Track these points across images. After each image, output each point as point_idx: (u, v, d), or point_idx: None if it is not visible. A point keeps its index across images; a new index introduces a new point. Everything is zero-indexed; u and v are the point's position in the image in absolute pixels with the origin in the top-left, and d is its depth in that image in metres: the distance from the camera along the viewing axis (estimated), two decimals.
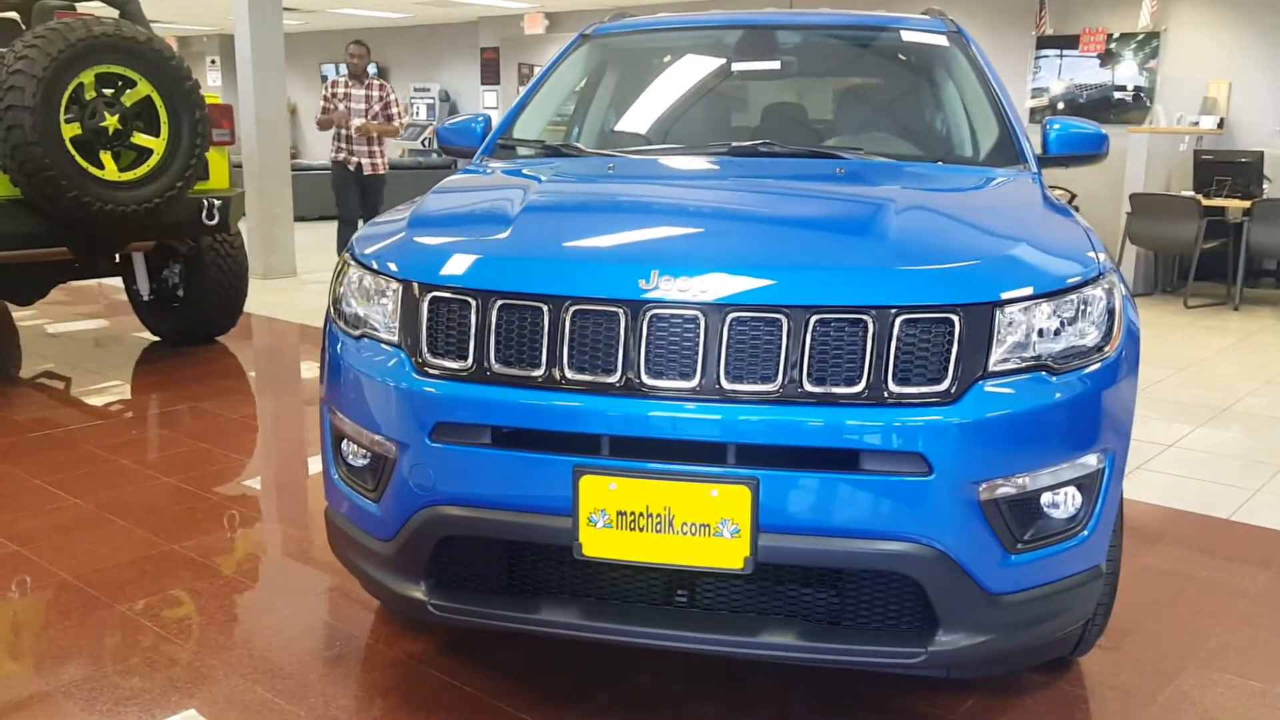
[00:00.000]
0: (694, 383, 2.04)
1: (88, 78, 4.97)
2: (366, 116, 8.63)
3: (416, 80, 18.11)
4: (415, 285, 2.25)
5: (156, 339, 6.71)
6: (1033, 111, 11.93)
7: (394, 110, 8.80)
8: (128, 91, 5.16)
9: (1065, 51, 11.68)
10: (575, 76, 3.77)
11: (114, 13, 6.01)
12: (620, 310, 2.08)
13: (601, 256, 2.23)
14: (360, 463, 2.38)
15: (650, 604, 2.20)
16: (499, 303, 2.15)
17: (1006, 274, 2.14)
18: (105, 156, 5.12)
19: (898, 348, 2.03)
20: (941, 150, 3.26)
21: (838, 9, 3.73)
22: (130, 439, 4.64)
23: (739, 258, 2.15)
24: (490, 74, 16.77)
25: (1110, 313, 2.24)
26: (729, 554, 2.04)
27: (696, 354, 2.05)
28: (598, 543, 2.08)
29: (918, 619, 2.12)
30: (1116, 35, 11.27)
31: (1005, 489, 2.08)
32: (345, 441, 2.41)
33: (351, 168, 8.65)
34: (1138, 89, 11.21)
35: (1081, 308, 2.19)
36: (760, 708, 2.51)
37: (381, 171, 8.77)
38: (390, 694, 2.58)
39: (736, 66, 3.62)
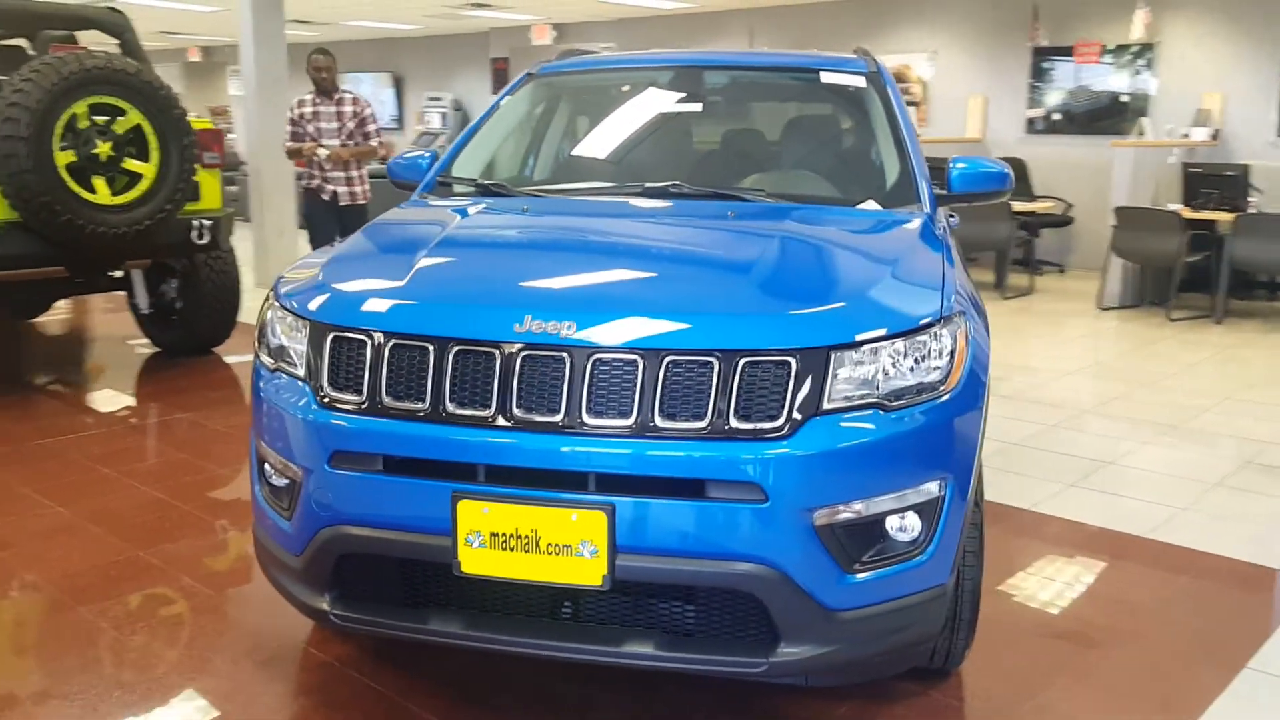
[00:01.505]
0: (559, 417, 2.28)
1: (81, 108, 5.27)
2: (340, 137, 7.32)
3: (430, 90, 18.44)
4: (321, 325, 2.49)
5: (158, 349, 7.03)
6: (1030, 122, 12.08)
7: (371, 128, 7.45)
8: (119, 120, 5.45)
9: (1060, 62, 11.80)
10: (520, 114, 4.01)
11: (113, 42, 6.32)
12: (496, 351, 2.32)
13: (482, 301, 2.46)
14: (279, 484, 2.62)
15: (527, 616, 2.43)
16: (391, 343, 2.39)
17: (846, 320, 2.36)
18: (98, 182, 5.42)
19: (740, 387, 2.25)
20: (843, 191, 3.47)
21: (795, 47, 3.94)
22: (117, 449, 4.93)
23: (603, 303, 2.39)
24: (501, 83, 17.06)
25: (950, 353, 2.45)
26: (589, 572, 2.27)
27: (561, 391, 2.28)
28: (474, 561, 2.32)
29: (762, 632, 2.34)
30: (1111, 46, 11.37)
31: (840, 515, 2.30)
32: (266, 464, 2.66)
33: (326, 197, 7.33)
34: (1132, 100, 11.32)
35: (918, 349, 2.40)
36: (662, 708, 2.74)
37: (362, 201, 7.48)
38: (311, 694, 2.83)
39: (663, 108, 3.85)
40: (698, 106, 3.84)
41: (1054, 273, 11.66)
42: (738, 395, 2.25)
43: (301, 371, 2.51)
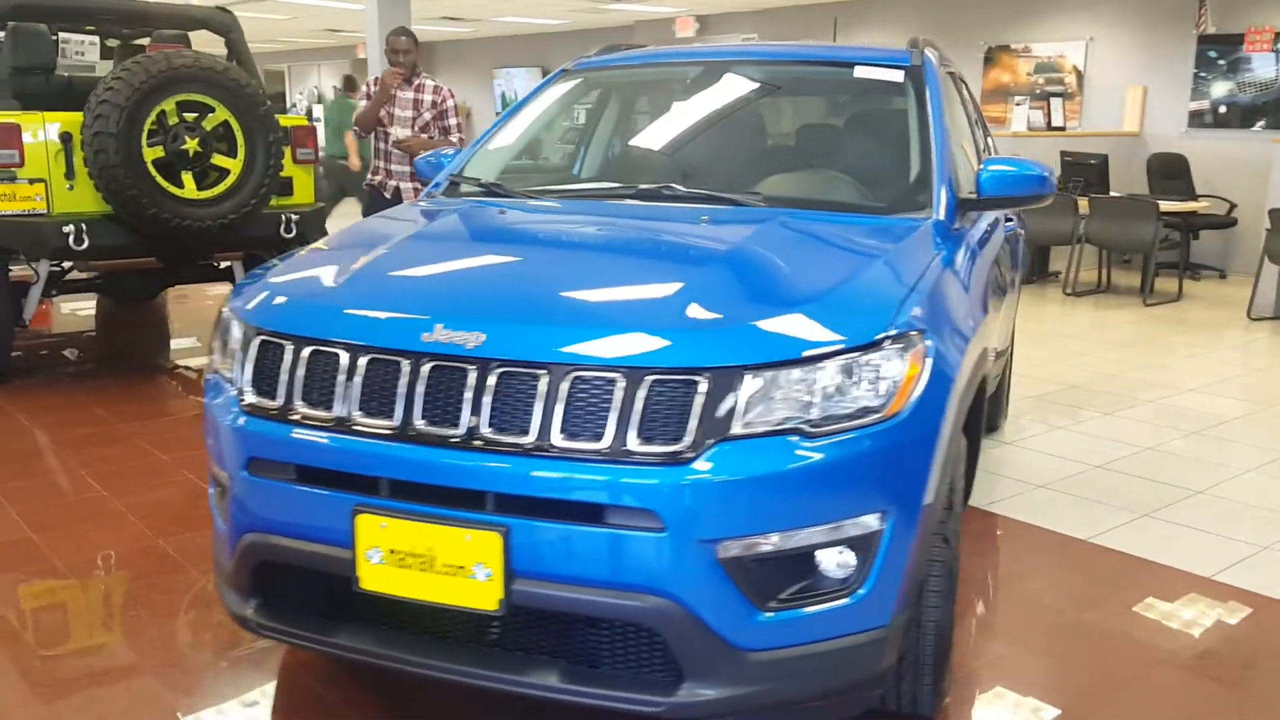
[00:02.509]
0: (460, 431, 2.18)
1: (169, 105, 5.48)
2: (413, 128, 6.51)
3: None
4: (250, 328, 2.47)
5: None
6: (1193, 115, 11.24)
7: (452, 120, 6.59)
8: (208, 117, 5.64)
9: (1228, 50, 10.92)
10: (550, 109, 3.91)
11: (219, 40, 6.58)
12: (403, 360, 2.23)
13: (395, 309, 2.37)
14: (216, 488, 2.62)
15: (435, 637, 2.34)
16: (308, 349, 2.34)
17: (768, 337, 2.17)
18: (186, 177, 5.62)
19: (644, 407, 2.10)
20: (848, 195, 3.25)
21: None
22: (177, 437, 5.09)
23: (513, 315, 2.27)
24: None
25: (895, 376, 2.22)
26: (483, 596, 2.17)
27: (464, 404, 2.18)
28: (373, 577, 2.25)
29: (666, 669, 2.18)
30: None
31: (751, 548, 2.12)
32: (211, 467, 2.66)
33: (388, 194, 6.54)
34: None
35: (854, 370, 2.19)
36: None
37: None
38: (265, 693, 2.82)
39: (684, 106, 3.69)
40: (720, 104, 3.66)
41: (1213, 278, 10.83)
42: (641, 416, 2.10)
43: (232, 375, 2.49)
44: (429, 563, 2.19)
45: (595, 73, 3.95)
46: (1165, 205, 9.44)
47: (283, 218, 6.14)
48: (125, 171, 5.35)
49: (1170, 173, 10.93)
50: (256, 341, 2.44)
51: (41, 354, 6.98)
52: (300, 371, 2.34)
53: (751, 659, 2.16)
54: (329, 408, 2.30)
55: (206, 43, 6.38)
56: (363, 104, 6.63)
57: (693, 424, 2.09)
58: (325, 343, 2.33)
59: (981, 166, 3.18)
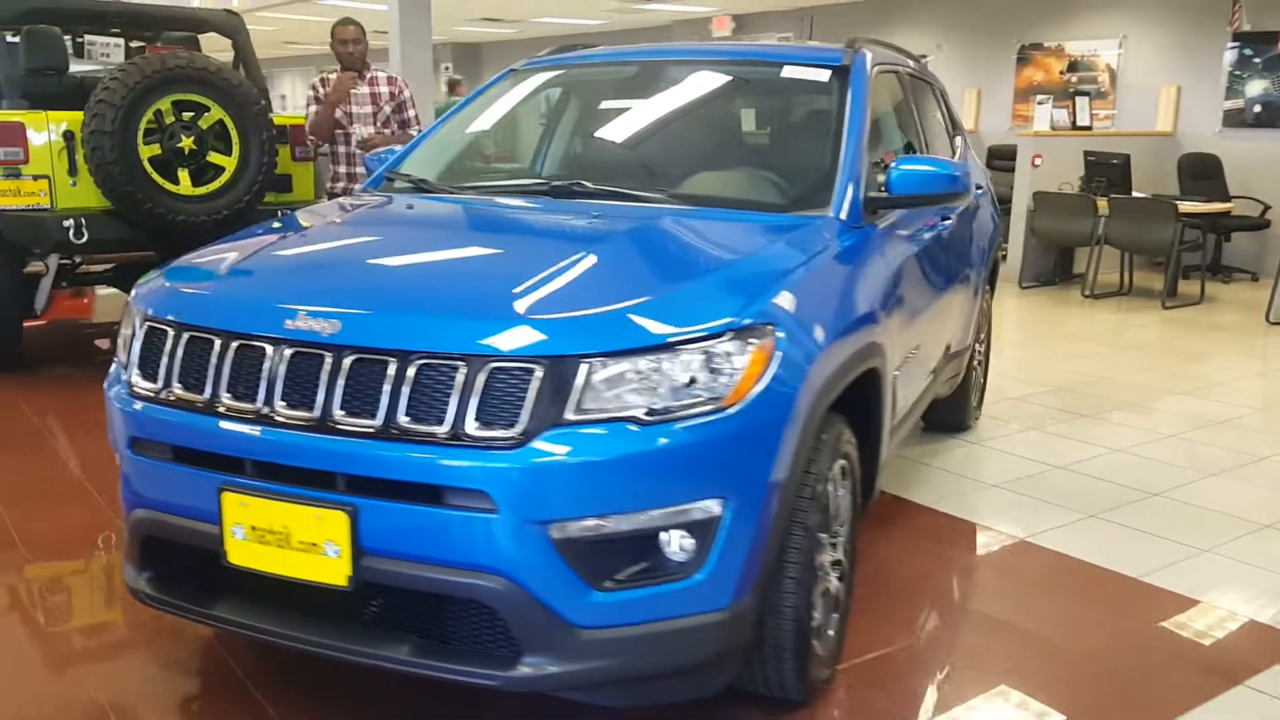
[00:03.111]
0: (314, 414, 2.29)
1: (164, 104, 5.69)
2: (375, 124, 6.15)
3: None
4: (139, 313, 2.61)
5: None
6: (1227, 115, 11.02)
7: (411, 113, 6.30)
8: (204, 116, 5.84)
9: (1264, 49, 10.69)
10: (493, 108, 4.02)
11: (226, 43, 6.80)
12: (267, 345, 2.35)
13: (264, 296, 2.49)
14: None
15: (302, 610, 2.45)
16: (186, 334, 2.47)
17: (606, 328, 2.25)
18: (182, 174, 5.83)
19: (483, 393, 2.19)
20: (751, 194, 3.30)
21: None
22: None
23: (369, 304, 2.38)
24: None
25: (734, 369, 2.29)
26: (334, 572, 2.28)
27: (318, 388, 2.29)
28: (239, 552, 2.37)
29: (507, 644, 2.27)
30: None
31: (583, 529, 2.20)
32: None
33: None
34: None
35: (688, 363, 2.25)
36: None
37: None
38: (189, 679, 2.96)
39: (615, 105, 3.77)
40: (651, 104, 3.73)
41: (1245, 280, 10.61)
42: (479, 402, 2.20)
43: (124, 359, 2.63)
44: (285, 539, 2.31)
45: (542, 72, 4.04)
46: (1187, 206, 9.28)
47: (279, 213, 6.31)
48: (121, 168, 5.56)
49: (1202, 173, 10.73)
50: (144, 327, 2.57)
51: (68, 344, 7.27)
52: (178, 356, 2.47)
53: (588, 636, 2.24)
54: (201, 391, 2.42)
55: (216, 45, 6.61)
56: (311, 110, 6.17)
57: (527, 410, 2.18)
58: (200, 329, 2.46)
59: (892, 165, 3.22)
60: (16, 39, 6.26)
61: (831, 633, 2.88)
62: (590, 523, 2.20)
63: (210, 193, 5.91)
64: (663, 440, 2.22)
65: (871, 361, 2.91)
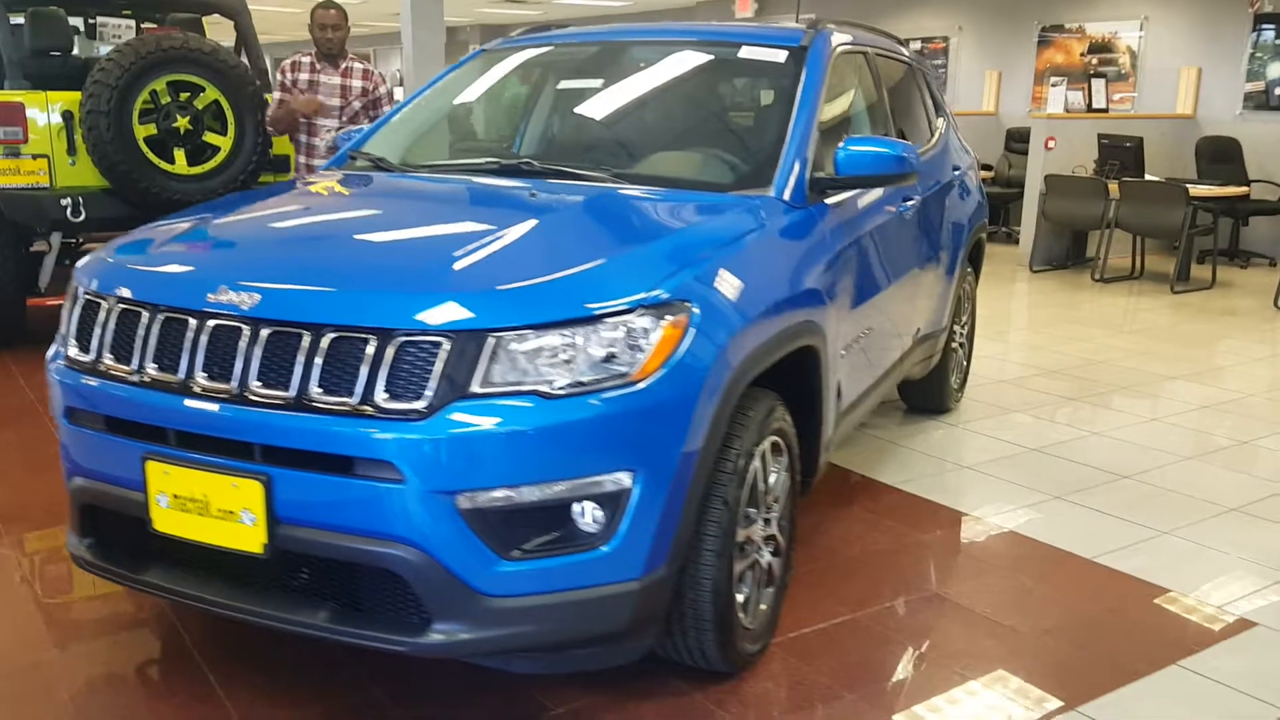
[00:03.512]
0: (232, 386, 2.35)
1: (160, 85, 5.79)
2: (341, 117, 5.67)
3: None
4: (79, 288, 2.68)
5: None
6: (1246, 97, 10.84)
7: (386, 109, 5.66)
8: (199, 96, 5.93)
9: None
10: (463, 88, 4.06)
11: (229, 24, 6.88)
12: (191, 318, 2.42)
13: (189, 270, 2.56)
14: None
15: (225, 576, 2.51)
16: (118, 307, 2.55)
17: (514, 303, 2.29)
18: (178, 153, 5.93)
19: (392, 366, 2.24)
20: (695, 173, 3.32)
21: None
22: None
23: (286, 278, 2.44)
24: None
25: (644, 344, 2.32)
26: (250, 539, 2.34)
27: (236, 360, 2.35)
28: (163, 520, 2.44)
29: (418, 611, 2.32)
30: None
31: (490, 500, 2.25)
32: None
33: None
34: None
35: (595, 338, 2.29)
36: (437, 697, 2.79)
37: None
38: (138, 646, 3.04)
39: (576, 85, 3.81)
40: (610, 82, 3.76)
41: (1263, 266, 10.47)
42: (388, 374, 2.25)
43: (64, 330, 2.71)
44: (205, 507, 2.38)
45: (512, 53, 4.07)
46: (1198, 190, 9.17)
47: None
48: (117, 148, 5.67)
49: (1220, 157, 10.57)
50: (81, 300, 2.65)
51: None
52: (109, 328, 2.54)
53: (496, 604, 2.30)
54: (129, 362, 2.49)
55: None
56: (275, 97, 5.83)
57: (433, 383, 2.23)
58: (130, 302, 2.53)
59: (840, 145, 3.23)
60: (21, 20, 6.38)
61: (764, 606, 2.92)
62: (497, 494, 2.25)
63: (206, 172, 6.00)
64: (569, 414, 2.26)
65: (806, 340, 2.93)
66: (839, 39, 3.75)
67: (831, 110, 3.55)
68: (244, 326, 2.36)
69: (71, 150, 5.92)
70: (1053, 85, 10.25)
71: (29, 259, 6.33)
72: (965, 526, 3.90)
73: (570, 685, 2.77)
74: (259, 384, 2.33)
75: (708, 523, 2.56)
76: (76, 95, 5.84)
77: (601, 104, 3.73)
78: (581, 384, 2.28)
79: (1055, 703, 2.76)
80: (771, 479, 2.88)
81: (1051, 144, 10.03)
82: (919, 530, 3.84)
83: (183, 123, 5.90)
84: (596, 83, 3.78)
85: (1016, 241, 11.10)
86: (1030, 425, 5.14)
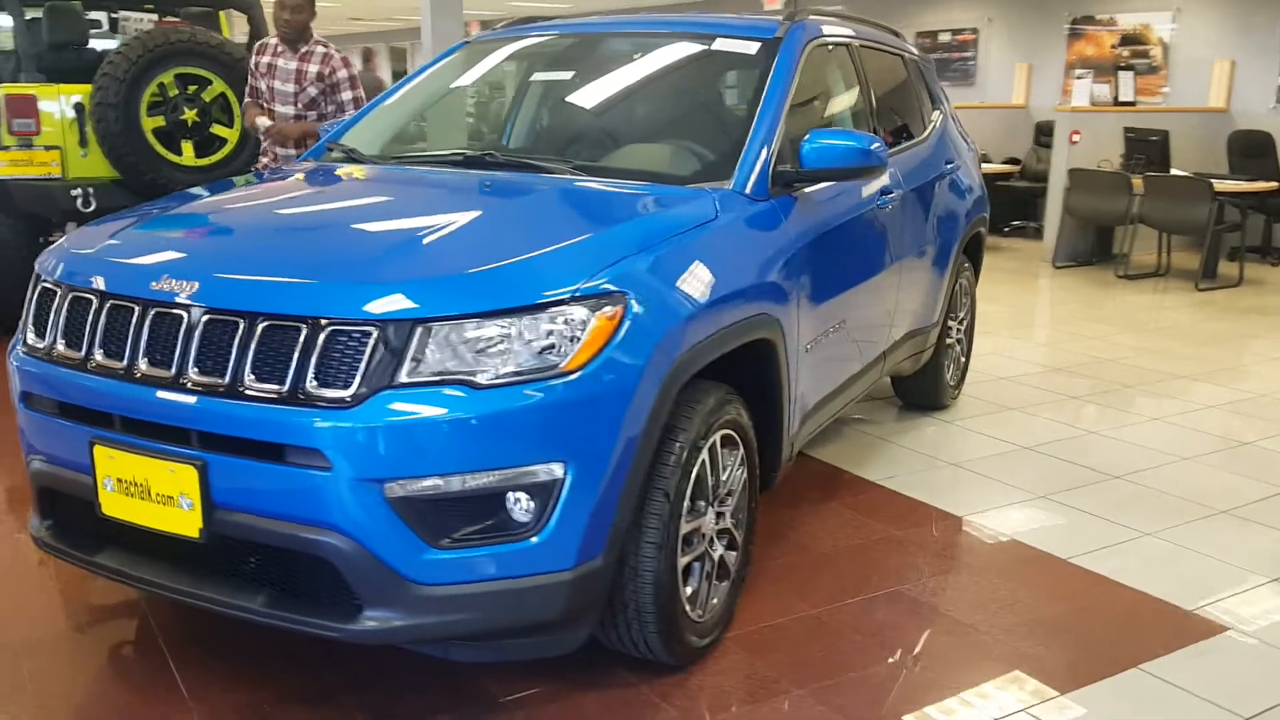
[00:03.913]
0: (172, 372, 2.39)
1: (168, 78, 5.88)
2: (296, 105, 5.27)
3: None
4: (36, 276, 2.74)
5: None
6: None
7: (346, 95, 5.29)
8: (207, 89, 6.02)
9: None
10: (447, 80, 4.09)
11: (243, 17, 6.97)
12: (135, 306, 2.46)
13: (137, 259, 2.59)
14: None
15: (170, 560, 2.55)
16: (70, 295, 2.59)
17: (443, 293, 2.31)
18: (186, 145, 6.03)
19: (321, 354, 2.27)
20: (656, 165, 3.32)
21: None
22: None
23: (225, 267, 2.48)
24: None
25: (574, 336, 2.33)
26: (187, 524, 2.38)
27: (175, 347, 2.39)
28: (110, 503, 2.48)
29: (350, 598, 2.34)
30: None
31: (418, 489, 2.26)
32: None
33: None
34: None
35: (525, 329, 2.30)
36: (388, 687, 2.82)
37: None
38: (103, 629, 3.10)
39: (547, 77, 3.81)
40: (583, 75, 3.77)
41: None
42: (318, 362, 2.27)
43: (24, 318, 2.77)
44: (146, 491, 2.42)
45: (493, 45, 4.09)
46: (1224, 185, 9.00)
47: None
48: (125, 139, 5.77)
49: (1253, 151, 10.37)
50: (38, 289, 2.70)
51: None
52: (62, 315, 2.59)
53: (425, 592, 2.31)
54: (78, 348, 2.54)
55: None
56: (250, 84, 5.48)
57: (361, 372, 2.25)
58: (81, 290, 2.57)
59: (805, 139, 3.21)
60: (38, 15, 6.50)
61: (715, 600, 2.91)
62: (425, 483, 2.27)
63: (213, 164, 6.09)
64: (498, 404, 2.27)
65: (761, 333, 2.92)
66: (815, 30, 3.72)
67: (803, 103, 3.52)
68: (183, 314, 2.39)
69: (83, 142, 6.03)
70: (1077, 78, 10.09)
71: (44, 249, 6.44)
72: (942, 524, 3.87)
73: (520, 674, 2.79)
74: (196, 371, 2.36)
75: (648, 515, 2.57)
76: (88, 88, 5.94)
77: (573, 97, 3.74)
78: (511, 374, 2.29)
79: (1003, 702, 2.73)
80: (725, 473, 2.88)
81: (1076, 138, 9.89)
82: (895, 527, 3.81)
83: (190, 115, 5.99)
84: (570, 76, 3.79)
85: (1033, 234, 10.98)
86: (1027, 423, 5.08)
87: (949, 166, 4.76)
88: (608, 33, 3.88)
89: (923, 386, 5.06)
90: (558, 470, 2.34)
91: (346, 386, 2.25)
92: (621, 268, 2.48)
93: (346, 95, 5.27)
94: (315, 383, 2.27)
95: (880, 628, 3.10)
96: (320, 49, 5.31)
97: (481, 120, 3.93)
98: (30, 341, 2.67)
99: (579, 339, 2.34)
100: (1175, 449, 4.74)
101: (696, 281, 2.67)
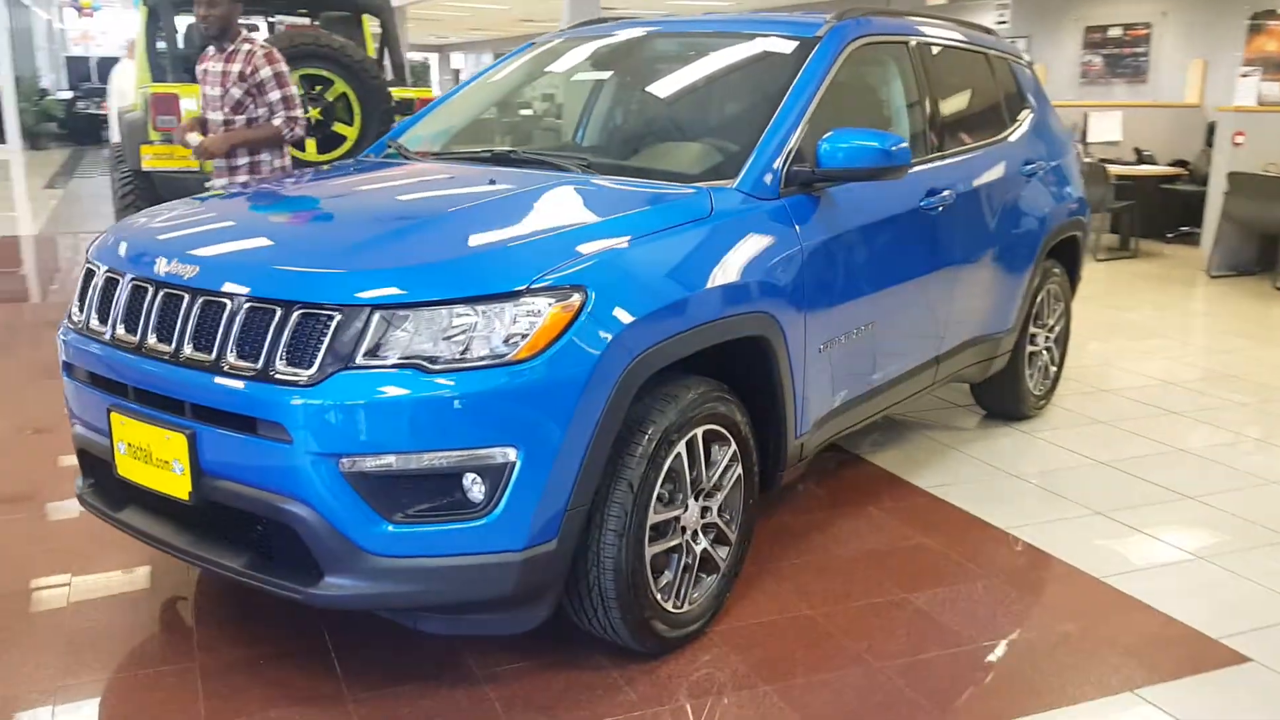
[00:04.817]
0: (172, 347, 2.62)
1: (294, 79, 6.24)
2: (223, 108, 4.88)
3: None
4: (87, 259, 3.03)
5: None
6: None
7: (274, 95, 4.86)
8: (330, 89, 6.40)
9: None
10: (515, 79, 4.25)
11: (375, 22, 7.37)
12: (148, 286, 2.71)
13: (157, 244, 2.84)
14: None
15: (175, 520, 2.78)
16: (105, 274, 2.87)
17: (396, 282, 2.45)
18: (309, 142, 6.41)
19: (291, 335, 2.45)
20: (671, 164, 3.37)
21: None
22: None
23: (220, 252, 2.69)
24: None
25: (528, 326, 2.43)
26: (180, 486, 2.60)
27: (175, 325, 2.62)
28: (124, 465, 2.74)
29: (313, 563, 2.51)
30: None
31: (372, 465, 2.40)
32: None
33: None
34: None
35: (477, 317, 2.41)
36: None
37: None
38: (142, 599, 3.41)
39: (596, 78, 3.91)
40: (624, 76, 3.86)
41: None
42: (288, 343, 2.45)
43: (73, 297, 3.07)
44: (149, 456, 2.65)
45: (554, 45, 4.22)
46: None
47: None
48: None
49: None
50: (86, 268, 2.99)
51: None
52: (96, 293, 2.87)
53: (381, 563, 2.46)
54: (105, 323, 2.81)
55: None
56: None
57: (322, 352, 2.41)
58: (112, 271, 2.84)
59: (824, 138, 3.20)
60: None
61: (699, 593, 2.96)
62: (378, 460, 2.41)
63: (334, 160, 6.45)
64: (449, 388, 2.39)
65: (753, 331, 2.95)
66: (861, 29, 3.69)
67: (839, 102, 3.50)
68: (184, 295, 2.62)
69: None
70: (1242, 76, 9.47)
71: None
72: (978, 535, 3.77)
73: (501, 649, 2.91)
74: (190, 347, 2.58)
75: (611, 503, 2.64)
76: None
77: (615, 97, 3.83)
78: (464, 360, 2.41)
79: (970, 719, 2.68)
80: (713, 468, 2.92)
81: (1240, 139, 9.29)
82: (927, 536, 3.74)
83: (314, 113, 6.36)
84: (613, 76, 3.88)
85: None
86: (1112, 437, 4.86)
87: (1028, 168, 4.60)
88: (654, 34, 3.94)
89: (1001, 395, 4.91)
90: (509, 454, 2.44)
91: (308, 366, 2.42)
92: (585, 262, 2.57)
93: (274, 95, 4.85)
94: (284, 362, 2.44)
95: (872, 634, 3.07)
96: (245, 46, 4.85)
97: (527, 119, 4.05)
98: (75, 316, 2.96)
99: (532, 329, 2.44)
100: (1267, 473, 4.45)
101: (671, 278, 2.72)
